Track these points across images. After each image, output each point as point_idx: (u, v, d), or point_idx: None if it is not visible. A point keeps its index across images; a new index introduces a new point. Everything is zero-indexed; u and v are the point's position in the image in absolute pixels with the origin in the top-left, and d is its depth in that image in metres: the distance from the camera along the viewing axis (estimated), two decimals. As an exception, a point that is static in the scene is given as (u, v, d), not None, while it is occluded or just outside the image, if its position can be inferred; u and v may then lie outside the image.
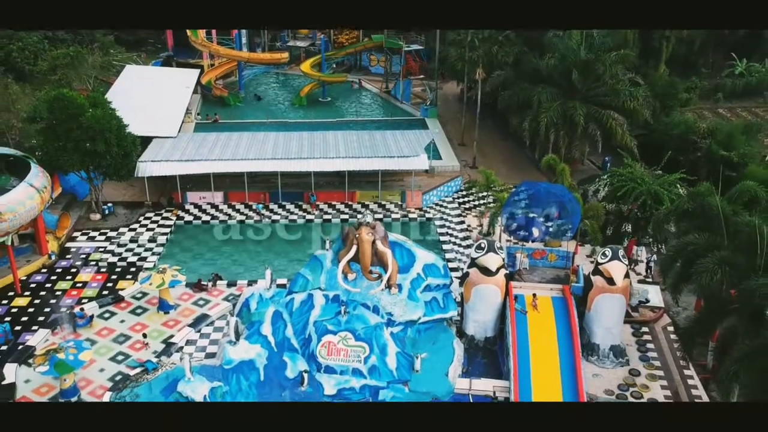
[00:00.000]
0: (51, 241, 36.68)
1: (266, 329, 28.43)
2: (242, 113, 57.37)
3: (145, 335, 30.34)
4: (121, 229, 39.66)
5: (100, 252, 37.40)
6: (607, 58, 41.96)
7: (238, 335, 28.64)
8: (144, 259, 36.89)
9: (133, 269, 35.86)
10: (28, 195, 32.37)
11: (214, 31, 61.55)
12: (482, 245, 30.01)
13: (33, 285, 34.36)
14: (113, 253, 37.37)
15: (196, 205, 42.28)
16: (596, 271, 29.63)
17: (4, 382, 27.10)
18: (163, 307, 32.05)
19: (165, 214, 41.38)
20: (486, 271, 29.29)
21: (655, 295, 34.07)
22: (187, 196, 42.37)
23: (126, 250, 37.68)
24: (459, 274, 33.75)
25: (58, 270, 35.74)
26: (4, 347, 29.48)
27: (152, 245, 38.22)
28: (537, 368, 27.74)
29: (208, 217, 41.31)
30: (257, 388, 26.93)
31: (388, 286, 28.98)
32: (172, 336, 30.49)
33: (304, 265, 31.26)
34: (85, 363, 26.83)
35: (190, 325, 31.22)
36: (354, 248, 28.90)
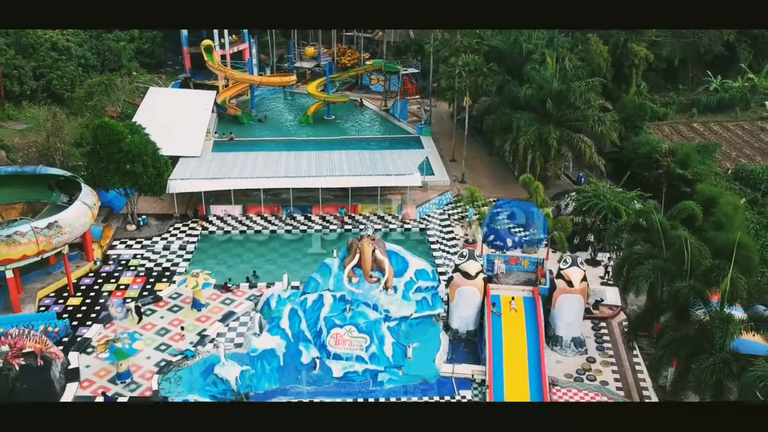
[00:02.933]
0: (96, 249, 42.55)
1: (284, 323, 34.39)
2: (255, 131, 62.82)
3: (182, 327, 36.20)
4: (155, 238, 45.37)
5: (138, 258, 43.26)
6: (577, 88, 47.62)
7: (261, 328, 34.81)
8: (176, 264, 42.60)
9: (167, 273, 41.68)
10: (83, 212, 38.19)
11: (228, 56, 67.24)
12: (464, 254, 35.98)
13: (83, 287, 40.15)
14: (149, 260, 43.18)
15: (218, 217, 48.08)
16: (559, 276, 35.52)
17: (70, 367, 33.03)
18: (196, 305, 37.82)
19: (192, 225, 47.19)
20: (467, 276, 35.14)
21: (613, 295, 39.67)
22: (210, 209, 48.15)
23: (160, 257, 43.50)
24: (446, 277, 39.72)
25: (103, 274, 41.55)
26: (66, 339, 35.39)
27: (182, 252, 44.00)
28: (509, 355, 33.40)
29: (229, 228, 47.06)
30: (278, 371, 32.88)
31: (386, 288, 35.00)
32: (205, 329, 36.30)
33: (315, 270, 37.16)
34: (139, 351, 32.77)
35: (219, 320, 37.06)
36: (357, 256, 35.02)
